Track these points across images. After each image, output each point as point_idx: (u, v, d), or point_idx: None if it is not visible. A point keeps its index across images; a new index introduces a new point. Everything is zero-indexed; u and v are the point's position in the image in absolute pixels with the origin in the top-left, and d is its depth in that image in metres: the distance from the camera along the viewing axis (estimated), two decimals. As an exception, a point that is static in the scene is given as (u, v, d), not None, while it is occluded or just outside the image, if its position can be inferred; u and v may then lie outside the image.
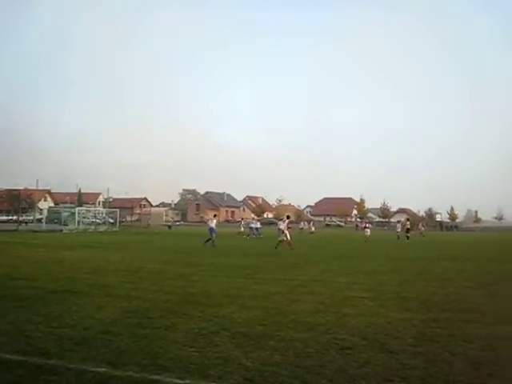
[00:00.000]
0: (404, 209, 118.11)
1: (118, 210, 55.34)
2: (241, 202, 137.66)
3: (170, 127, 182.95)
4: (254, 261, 16.67)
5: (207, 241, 24.78)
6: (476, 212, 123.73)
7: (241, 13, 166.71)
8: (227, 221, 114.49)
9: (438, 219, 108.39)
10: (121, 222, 57.81)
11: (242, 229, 41.69)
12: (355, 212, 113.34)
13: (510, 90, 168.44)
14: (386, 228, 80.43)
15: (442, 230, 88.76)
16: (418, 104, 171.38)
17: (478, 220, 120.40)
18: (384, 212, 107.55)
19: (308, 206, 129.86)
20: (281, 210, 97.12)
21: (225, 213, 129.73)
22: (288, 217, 27.38)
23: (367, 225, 40.71)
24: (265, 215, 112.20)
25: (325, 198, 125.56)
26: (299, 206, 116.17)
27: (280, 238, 23.98)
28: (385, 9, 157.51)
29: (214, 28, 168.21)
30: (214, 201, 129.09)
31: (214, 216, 28.98)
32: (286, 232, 24.12)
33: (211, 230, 25.29)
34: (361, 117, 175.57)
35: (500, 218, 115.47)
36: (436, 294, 9.28)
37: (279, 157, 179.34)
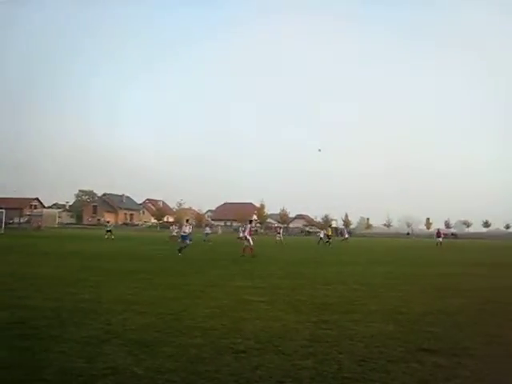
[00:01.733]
0: (302, 215, 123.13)
1: (3, 210, 50.96)
2: (140, 204, 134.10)
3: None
4: (152, 265, 16.30)
5: (181, 249, 22.41)
6: (368, 219, 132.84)
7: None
8: (125, 224, 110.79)
9: (333, 225, 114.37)
10: (7, 223, 53.18)
11: (175, 233, 40.54)
12: (255, 217, 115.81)
13: None
14: (285, 234, 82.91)
15: (337, 236, 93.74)
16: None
17: (369, 226, 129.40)
18: (283, 217, 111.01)
19: (209, 211, 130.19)
20: (181, 214, 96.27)
21: (123, 216, 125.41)
22: (250, 221, 26.43)
23: (279, 230, 43.50)
24: (165, 219, 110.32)
25: (225, 203, 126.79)
26: (200, 210, 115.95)
27: (244, 245, 23.12)
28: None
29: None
30: (112, 203, 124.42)
31: (187, 221, 26.70)
32: (249, 238, 23.12)
33: (184, 237, 23.42)
34: (259, 122, 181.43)
35: (388, 225, 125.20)
36: (328, 297, 9.72)
37: (181, 160, 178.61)
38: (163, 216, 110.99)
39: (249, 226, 24.13)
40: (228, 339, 5.94)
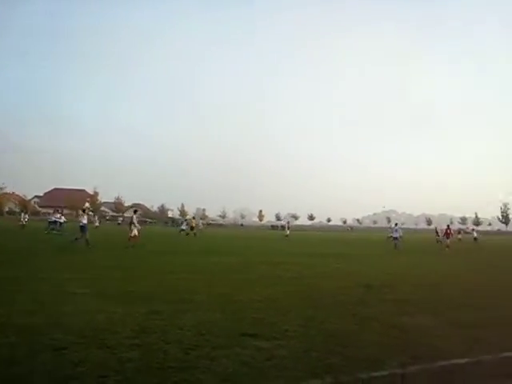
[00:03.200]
0: (138, 204, 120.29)
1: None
2: None
3: None
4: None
5: (77, 239, 21.62)
6: (204, 210, 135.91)
7: None
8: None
9: (170, 215, 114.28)
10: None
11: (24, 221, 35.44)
12: (87, 205, 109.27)
13: None
14: (120, 222, 79.74)
15: (173, 226, 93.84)
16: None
17: (205, 217, 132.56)
18: (118, 206, 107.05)
19: (36, 197, 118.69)
20: (2, 200, 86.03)
21: None
22: (135, 211, 26.05)
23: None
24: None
25: (55, 189, 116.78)
26: (25, 196, 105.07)
27: (132, 234, 22.80)
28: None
29: None
30: None
31: (84, 211, 25.00)
32: (134, 227, 23.07)
33: (83, 227, 22.21)
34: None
35: (224, 216, 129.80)
36: (160, 287, 9.65)
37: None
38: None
39: (134, 216, 24.22)
40: (47, 336, 5.48)
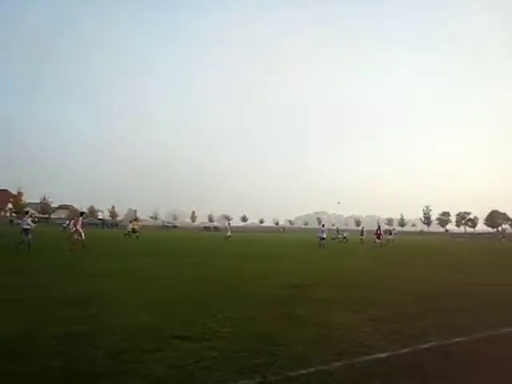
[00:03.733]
0: (66, 205, 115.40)
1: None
2: None
3: None
4: None
5: (20, 243, 20.63)
6: (135, 211, 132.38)
7: None
8: None
9: (100, 217, 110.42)
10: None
11: None
12: (10, 206, 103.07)
13: None
14: (46, 224, 76.02)
15: (103, 227, 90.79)
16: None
17: (137, 218, 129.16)
18: (44, 207, 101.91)
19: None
20: None
21: None
22: (82, 213, 25.38)
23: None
24: None
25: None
26: None
27: (75, 237, 22.34)
28: None
29: None
30: None
31: (27, 213, 24.61)
32: (81, 230, 22.69)
33: (26, 230, 21.51)
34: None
35: (155, 218, 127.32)
36: (88, 291, 9.31)
37: None
38: None
39: (80, 218, 23.63)
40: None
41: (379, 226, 38.49)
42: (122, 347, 5.33)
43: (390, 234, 46.63)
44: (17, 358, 4.84)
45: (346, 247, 36.94)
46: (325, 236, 33.88)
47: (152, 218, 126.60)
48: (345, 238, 32.66)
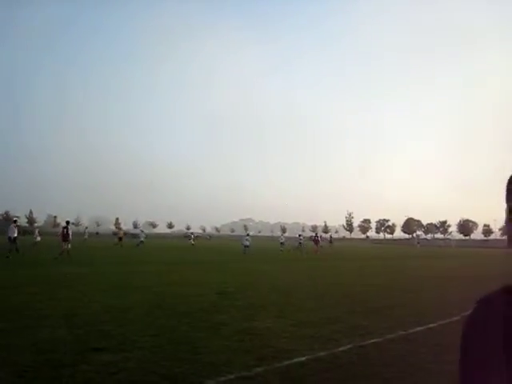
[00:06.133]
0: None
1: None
2: None
3: None
4: None
5: (10, 251, 21.42)
6: (55, 217, 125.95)
7: None
8: None
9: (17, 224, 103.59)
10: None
11: None
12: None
13: None
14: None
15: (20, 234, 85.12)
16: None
17: (56, 224, 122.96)
18: None
19: None
20: None
21: None
22: (68, 222, 23.97)
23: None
24: None
25: None
26: None
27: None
28: None
29: None
30: None
31: (14, 222, 25.43)
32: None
33: (11, 238, 22.17)
34: None
35: (77, 224, 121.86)
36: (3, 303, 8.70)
37: None
38: None
39: (69, 227, 22.96)
40: None
41: (316, 234, 41.85)
42: (32, 364, 4.99)
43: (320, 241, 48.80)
44: None
45: (273, 254, 37.45)
46: (248, 244, 35.46)
47: (74, 224, 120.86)
48: (247, 245, 34.47)
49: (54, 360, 5.16)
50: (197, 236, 56.21)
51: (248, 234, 39.08)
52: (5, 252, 21.59)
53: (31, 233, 41.16)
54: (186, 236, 51.14)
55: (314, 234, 42.31)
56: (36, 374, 4.67)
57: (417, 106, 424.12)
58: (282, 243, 43.56)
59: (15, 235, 22.55)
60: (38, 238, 32.91)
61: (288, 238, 56.60)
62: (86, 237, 47.46)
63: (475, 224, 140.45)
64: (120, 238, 41.81)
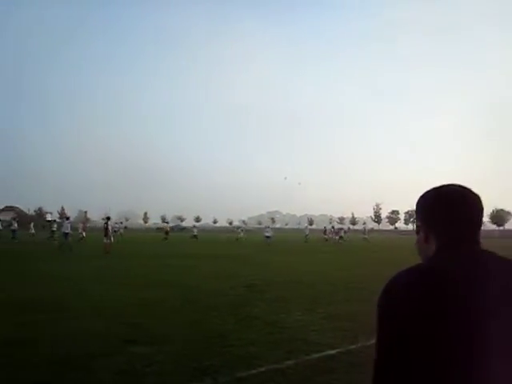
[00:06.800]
0: (12, 206, 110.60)
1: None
2: None
3: None
4: None
5: (61, 245, 23.41)
6: (86, 212, 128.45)
7: None
8: None
9: (48, 218, 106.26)
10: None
11: None
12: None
13: None
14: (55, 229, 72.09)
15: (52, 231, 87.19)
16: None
17: (87, 220, 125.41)
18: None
19: None
20: None
21: None
22: (108, 218, 24.78)
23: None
24: None
25: None
26: None
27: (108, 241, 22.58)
28: None
29: None
30: None
31: (67, 218, 26.94)
32: (112, 234, 23.84)
33: (66, 234, 24.00)
34: None
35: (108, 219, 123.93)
36: (30, 295, 8.95)
37: None
38: None
39: (109, 222, 24.10)
40: None
41: (333, 226, 42.44)
42: (68, 354, 5.13)
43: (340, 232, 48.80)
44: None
45: (299, 246, 37.38)
46: (269, 235, 38.08)
47: (103, 219, 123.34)
48: (269, 236, 36.73)
49: (88, 351, 5.29)
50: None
51: (268, 226, 42.22)
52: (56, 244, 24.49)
53: (75, 229, 42.18)
54: (237, 228, 51.11)
55: (332, 226, 43.81)
56: (72, 365, 4.79)
57: (449, 95, 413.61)
58: (306, 235, 44.04)
59: (68, 231, 24.37)
60: (83, 234, 34.08)
61: (313, 230, 56.84)
62: (122, 231, 48.64)
63: (509, 214, 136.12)
64: (166, 232, 42.50)
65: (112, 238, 23.49)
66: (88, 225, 49.52)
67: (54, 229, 36.55)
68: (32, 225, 44.08)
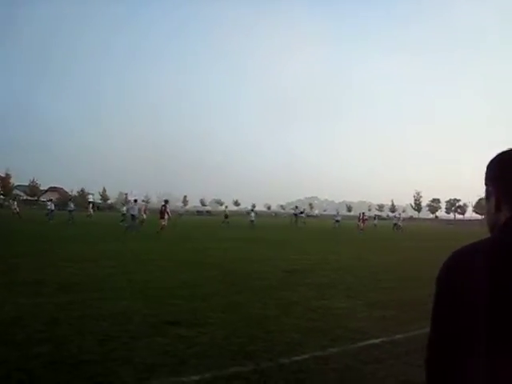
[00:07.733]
0: (55, 187, 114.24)
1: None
2: None
3: None
4: None
5: (129, 227, 24.13)
6: (126, 194, 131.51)
7: None
8: None
9: (90, 199, 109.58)
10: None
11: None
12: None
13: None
14: (35, 207, 75.12)
15: (94, 211, 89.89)
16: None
17: (127, 201, 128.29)
18: (33, 190, 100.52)
19: None
20: None
21: None
22: (166, 201, 25.33)
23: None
24: None
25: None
26: None
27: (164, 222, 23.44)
28: None
29: None
30: None
31: (135, 201, 27.52)
32: (144, 215, 26.72)
33: (133, 216, 25.04)
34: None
35: (147, 201, 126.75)
36: (76, 276, 9.14)
37: None
38: None
39: (167, 205, 24.60)
40: None
41: (363, 213, 41.82)
42: (110, 333, 5.17)
43: (375, 219, 53.16)
44: (4, 344, 4.70)
45: (337, 233, 36.97)
46: (253, 219, 39.46)
47: (144, 201, 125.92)
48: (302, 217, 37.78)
49: (130, 331, 5.32)
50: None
51: (252, 210, 44.86)
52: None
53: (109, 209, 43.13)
54: (297, 214, 50.16)
55: (362, 213, 43.18)
56: (114, 344, 4.82)
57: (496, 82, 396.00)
58: (337, 221, 43.64)
59: (135, 213, 25.32)
60: (144, 216, 34.21)
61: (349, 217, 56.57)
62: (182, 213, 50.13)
63: None
64: (226, 216, 42.63)
65: (166, 221, 23.65)
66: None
67: (124, 212, 37.10)
68: (90, 206, 45.87)
